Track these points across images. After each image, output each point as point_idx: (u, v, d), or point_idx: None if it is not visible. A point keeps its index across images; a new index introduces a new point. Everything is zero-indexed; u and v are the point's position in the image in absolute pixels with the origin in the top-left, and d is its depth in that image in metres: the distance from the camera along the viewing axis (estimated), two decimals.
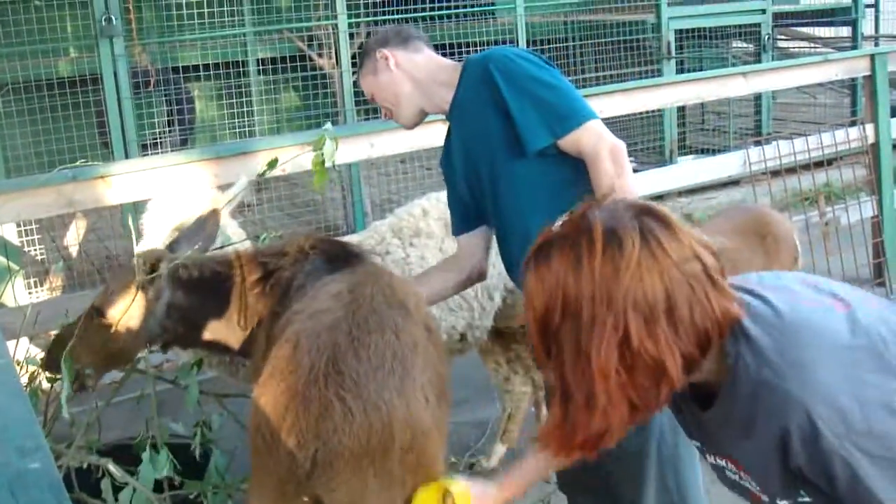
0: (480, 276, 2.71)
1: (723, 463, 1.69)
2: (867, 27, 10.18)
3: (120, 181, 3.29)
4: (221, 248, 2.87)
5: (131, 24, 6.38)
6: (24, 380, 2.76)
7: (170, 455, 2.53)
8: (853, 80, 8.14)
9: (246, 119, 6.58)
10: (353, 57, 6.48)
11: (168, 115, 6.83)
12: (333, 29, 6.64)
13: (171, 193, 3.33)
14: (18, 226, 4.84)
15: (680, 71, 7.93)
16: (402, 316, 2.11)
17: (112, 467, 2.47)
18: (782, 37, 10.44)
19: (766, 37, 8.34)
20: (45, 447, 1.14)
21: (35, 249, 5.56)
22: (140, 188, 3.34)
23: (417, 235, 3.38)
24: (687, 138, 8.67)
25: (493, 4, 8.01)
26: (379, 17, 6.93)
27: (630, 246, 1.43)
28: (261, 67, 7.05)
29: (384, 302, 2.13)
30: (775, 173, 5.16)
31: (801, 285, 1.60)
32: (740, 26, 8.65)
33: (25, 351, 3.34)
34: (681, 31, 8.02)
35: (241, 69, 6.68)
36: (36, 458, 1.10)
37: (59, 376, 2.44)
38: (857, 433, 1.39)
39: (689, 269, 1.45)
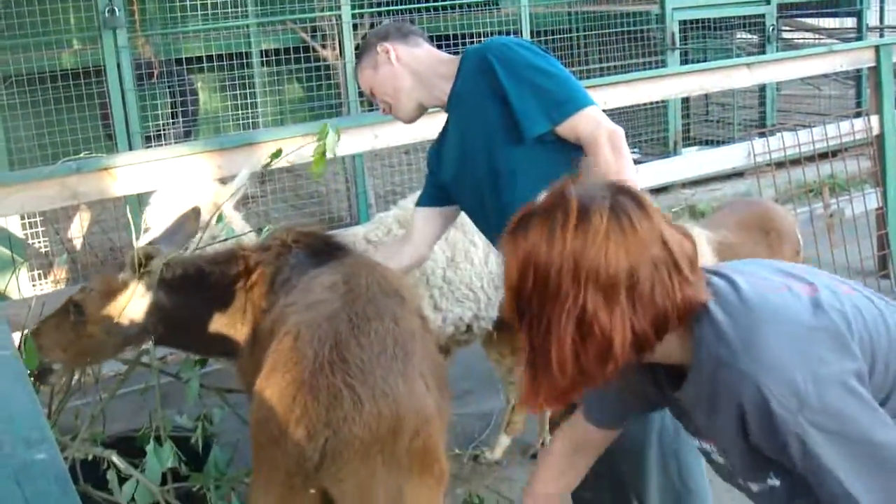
0: (421, 259, 2.76)
1: (707, 446, 1.73)
2: (872, 18, 10.15)
3: (124, 173, 3.28)
4: (225, 241, 2.86)
5: (134, 15, 6.37)
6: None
7: (174, 447, 2.52)
8: (858, 71, 8.13)
9: (250, 110, 6.58)
10: (357, 48, 6.47)
11: (171, 107, 6.83)
12: (337, 20, 6.62)
13: (175, 185, 3.33)
14: (22, 218, 4.83)
15: (684, 62, 7.89)
16: (399, 304, 2.13)
17: (116, 459, 2.47)
18: (787, 28, 10.39)
19: (771, 27, 8.31)
20: (50, 438, 1.14)
21: (39, 241, 5.55)
22: (144, 180, 3.33)
23: None
24: (691, 130, 8.66)
25: None
26: (383, 9, 6.92)
27: (599, 220, 1.47)
28: (264, 59, 7.02)
29: (380, 291, 2.13)
30: (780, 165, 5.15)
31: (772, 270, 1.64)
32: (745, 17, 8.62)
33: None
34: (685, 21, 8.00)
35: (244, 60, 6.65)
36: (41, 450, 1.10)
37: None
38: (811, 409, 1.42)
39: (657, 250, 1.49)
